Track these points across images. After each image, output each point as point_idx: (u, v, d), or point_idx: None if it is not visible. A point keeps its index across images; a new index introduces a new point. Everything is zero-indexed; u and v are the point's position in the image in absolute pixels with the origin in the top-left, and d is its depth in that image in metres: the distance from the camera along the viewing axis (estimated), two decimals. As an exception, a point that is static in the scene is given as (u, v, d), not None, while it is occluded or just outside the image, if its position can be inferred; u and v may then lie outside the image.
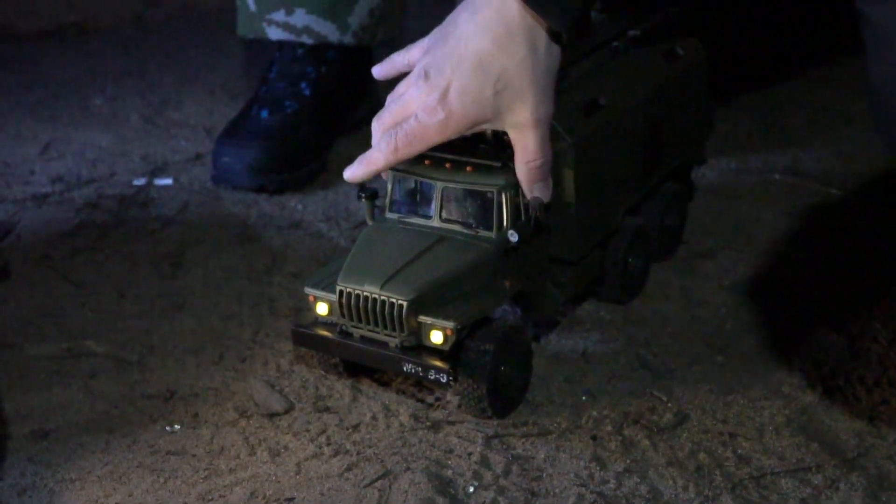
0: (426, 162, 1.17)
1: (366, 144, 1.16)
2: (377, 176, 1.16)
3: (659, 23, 1.39)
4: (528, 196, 1.14)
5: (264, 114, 1.65)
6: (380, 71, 1.19)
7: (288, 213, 1.58)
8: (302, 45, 1.70)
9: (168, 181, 1.68)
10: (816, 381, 1.20)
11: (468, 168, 1.16)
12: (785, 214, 1.55)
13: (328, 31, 1.69)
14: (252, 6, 1.71)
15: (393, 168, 1.17)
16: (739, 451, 1.10)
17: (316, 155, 1.67)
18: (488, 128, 1.12)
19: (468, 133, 1.12)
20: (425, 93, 1.09)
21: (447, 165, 1.17)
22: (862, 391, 1.18)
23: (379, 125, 1.13)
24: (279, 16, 1.69)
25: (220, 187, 1.64)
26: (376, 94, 1.78)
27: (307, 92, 1.68)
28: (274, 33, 1.70)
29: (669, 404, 1.17)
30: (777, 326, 1.30)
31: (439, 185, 1.16)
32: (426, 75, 1.09)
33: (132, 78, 2.07)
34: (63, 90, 2.02)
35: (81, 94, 2.01)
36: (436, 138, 1.10)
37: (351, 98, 1.74)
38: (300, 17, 1.68)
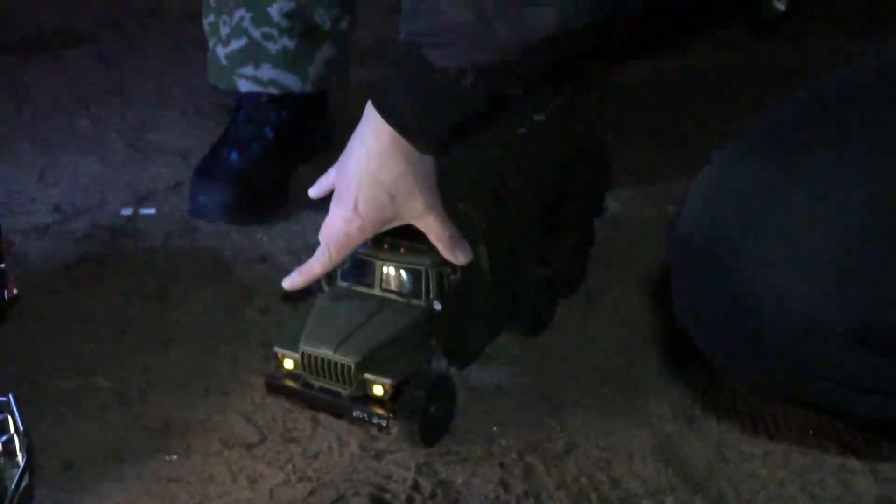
0: (369, 242, 1.46)
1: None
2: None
3: (560, 105, 1.67)
4: (454, 261, 1.44)
5: (234, 156, 1.93)
6: (315, 192, 1.50)
7: (256, 246, 1.85)
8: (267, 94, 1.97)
9: (152, 211, 1.95)
10: (679, 412, 1.50)
11: (402, 249, 1.46)
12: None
13: (290, 82, 1.97)
14: (224, 61, 1.98)
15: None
16: (613, 476, 1.38)
17: (279, 190, 1.95)
18: (396, 223, 1.42)
19: (383, 230, 1.42)
20: (342, 208, 1.40)
21: (385, 246, 1.46)
22: (713, 420, 1.48)
23: (322, 237, 1.44)
24: (248, 70, 1.96)
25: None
26: (330, 128, 2.06)
27: (270, 135, 1.96)
28: (244, 86, 1.97)
29: (562, 434, 1.45)
30: (653, 361, 1.58)
31: (379, 262, 1.46)
32: (339, 195, 1.41)
33: (112, 96, 2.32)
34: (50, 110, 2.25)
35: (67, 114, 2.24)
36: (359, 240, 1.42)
37: (308, 136, 2.02)
38: (266, 72, 1.96)
